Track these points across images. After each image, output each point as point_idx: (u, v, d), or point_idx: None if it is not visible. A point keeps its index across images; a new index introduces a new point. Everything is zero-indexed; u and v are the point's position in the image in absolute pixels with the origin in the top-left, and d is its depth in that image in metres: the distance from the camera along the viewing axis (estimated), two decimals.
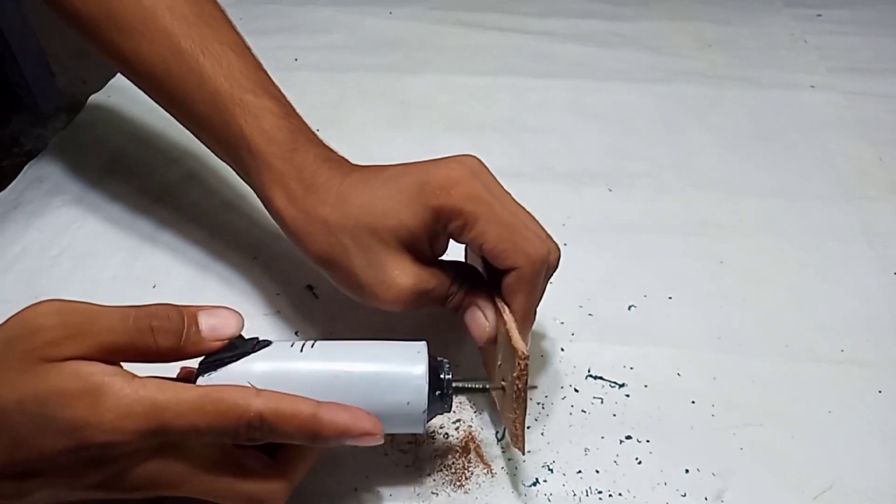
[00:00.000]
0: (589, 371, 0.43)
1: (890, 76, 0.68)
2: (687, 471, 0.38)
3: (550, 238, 0.38)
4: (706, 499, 0.37)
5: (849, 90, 0.66)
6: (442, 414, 0.36)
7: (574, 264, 0.40)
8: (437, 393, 0.35)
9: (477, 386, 0.37)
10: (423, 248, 0.38)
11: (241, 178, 0.43)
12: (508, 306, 0.37)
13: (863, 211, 0.54)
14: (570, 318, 0.46)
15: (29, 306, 0.31)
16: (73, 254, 0.50)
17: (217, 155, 0.44)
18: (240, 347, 0.33)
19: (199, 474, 0.31)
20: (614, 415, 0.41)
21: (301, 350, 0.34)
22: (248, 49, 0.44)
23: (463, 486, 0.38)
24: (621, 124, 0.63)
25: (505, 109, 0.64)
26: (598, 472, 0.38)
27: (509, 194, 0.38)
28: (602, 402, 0.42)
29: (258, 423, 0.30)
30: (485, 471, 0.38)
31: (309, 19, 0.75)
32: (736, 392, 0.42)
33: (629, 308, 0.47)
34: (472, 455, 0.39)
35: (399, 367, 0.34)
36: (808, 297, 0.48)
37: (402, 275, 0.37)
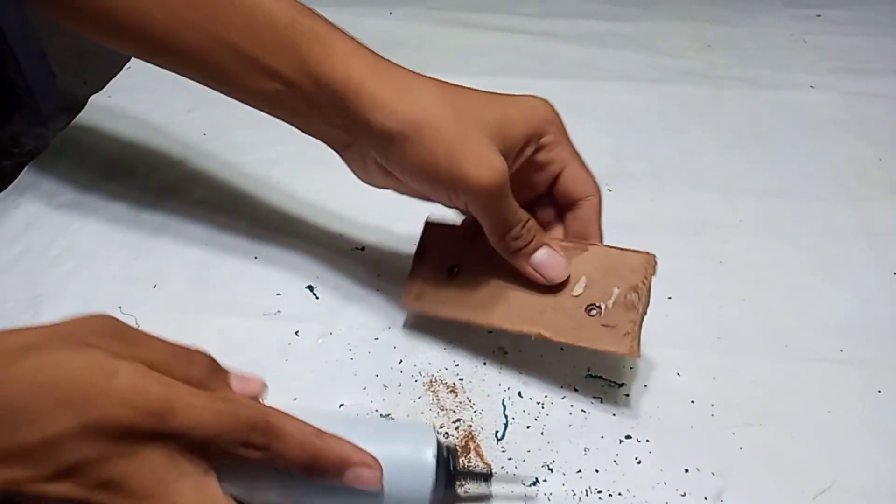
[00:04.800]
0: (588, 370, 0.43)
1: (890, 76, 0.68)
2: (686, 470, 0.38)
3: None
4: (706, 498, 0.37)
5: (848, 90, 0.66)
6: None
7: None
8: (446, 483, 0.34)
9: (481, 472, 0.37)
10: (510, 159, 0.38)
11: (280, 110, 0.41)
12: (586, 239, 0.41)
13: (863, 211, 0.54)
14: None
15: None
16: (74, 254, 0.51)
17: (245, 93, 0.42)
18: None
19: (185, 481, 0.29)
20: (614, 414, 0.41)
21: None
22: None
23: (463, 485, 0.38)
24: (621, 124, 0.63)
25: None
26: (597, 471, 0.38)
27: None
28: (602, 402, 0.42)
29: (264, 428, 0.30)
30: (485, 471, 0.38)
31: None
32: (735, 392, 0.42)
33: None
34: (472, 455, 0.39)
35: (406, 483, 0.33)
36: (807, 296, 0.48)
37: (499, 157, 0.37)
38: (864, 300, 0.48)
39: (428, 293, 0.42)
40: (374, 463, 0.32)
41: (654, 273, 0.38)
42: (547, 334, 0.39)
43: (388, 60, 0.40)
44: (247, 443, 0.29)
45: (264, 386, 0.34)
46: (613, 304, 0.38)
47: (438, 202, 0.40)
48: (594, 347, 0.38)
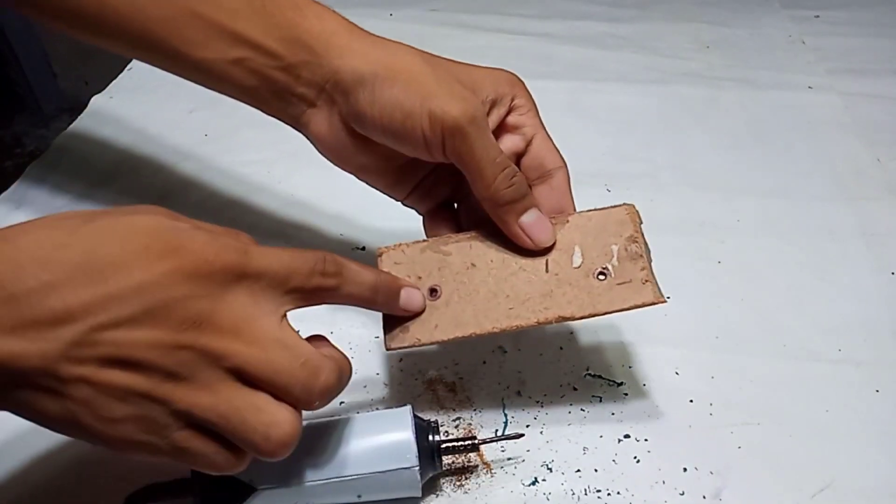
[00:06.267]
0: (587, 370, 0.43)
1: (888, 77, 0.68)
2: (685, 469, 0.39)
3: None
4: (704, 497, 0.37)
5: (847, 91, 0.67)
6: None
7: None
8: (429, 456, 0.36)
9: (466, 444, 0.37)
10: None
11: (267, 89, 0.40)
12: (562, 211, 0.40)
13: (860, 211, 0.54)
14: None
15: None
16: None
17: (224, 77, 0.41)
18: None
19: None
20: (613, 413, 0.41)
21: None
22: None
23: (463, 485, 0.38)
24: (620, 125, 0.63)
25: None
26: (596, 470, 0.38)
27: None
28: (601, 401, 0.42)
29: (332, 259, 0.33)
30: (484, 470, 0.39)
31: None
32: (734, 391, 0.42)
33: None
34: (472, 455, 0.39)
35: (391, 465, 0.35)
36: (805, 296, 0.48)
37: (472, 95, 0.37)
38: (861, 300, 0.48)
39: (415, 324, 0.38)
40: (416, 284, 0.38)
41: (640, 221, 0.38)
42: (567, 314, 0.36)
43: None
44: (323, 272, 0.32)
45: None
46: (618, 260, 0.37)
47: (411, 153, 0.38)
48: (620, 308, 0.36)
